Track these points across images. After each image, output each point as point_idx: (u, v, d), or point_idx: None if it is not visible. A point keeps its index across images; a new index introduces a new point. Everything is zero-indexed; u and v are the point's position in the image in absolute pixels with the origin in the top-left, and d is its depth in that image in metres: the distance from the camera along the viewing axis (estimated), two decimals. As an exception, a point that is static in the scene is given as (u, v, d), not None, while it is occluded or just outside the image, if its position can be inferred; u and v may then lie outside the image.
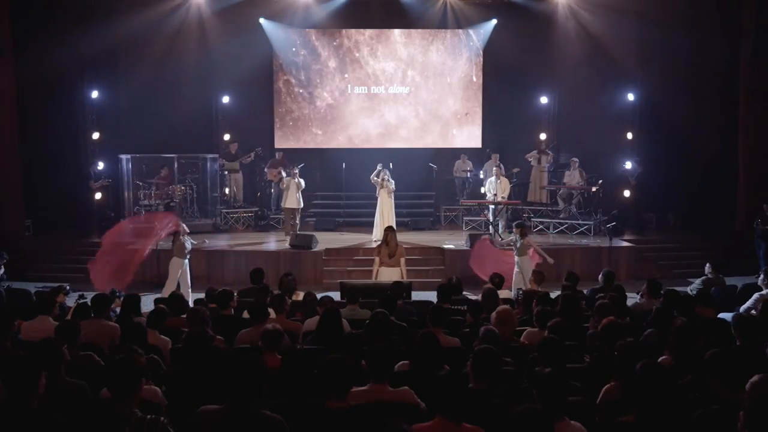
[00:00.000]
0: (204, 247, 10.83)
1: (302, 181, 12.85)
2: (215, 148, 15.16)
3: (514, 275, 9.38)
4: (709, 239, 13.11)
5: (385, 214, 12.17)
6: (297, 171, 12.91)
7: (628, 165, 14.30)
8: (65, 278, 10.48)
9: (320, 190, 15.59)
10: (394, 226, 10.48)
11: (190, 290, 9.24)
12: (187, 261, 9.43)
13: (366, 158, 14.46)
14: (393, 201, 12.36)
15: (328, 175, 15.53)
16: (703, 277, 8.14)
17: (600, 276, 7.47)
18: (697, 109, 13.47)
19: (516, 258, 9.46)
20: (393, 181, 12.37)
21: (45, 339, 4.00)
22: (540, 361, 4.07)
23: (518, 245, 9.42)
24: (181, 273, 9.31)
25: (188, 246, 9.40)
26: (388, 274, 8.97)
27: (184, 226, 9.60)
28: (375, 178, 12.38)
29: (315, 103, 15.92)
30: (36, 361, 3.29)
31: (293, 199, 12.72)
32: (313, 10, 15.14)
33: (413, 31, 15.79)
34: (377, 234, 11.99)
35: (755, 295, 6.62)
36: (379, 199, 12.32)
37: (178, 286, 9.06)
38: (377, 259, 9.24)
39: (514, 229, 9.69)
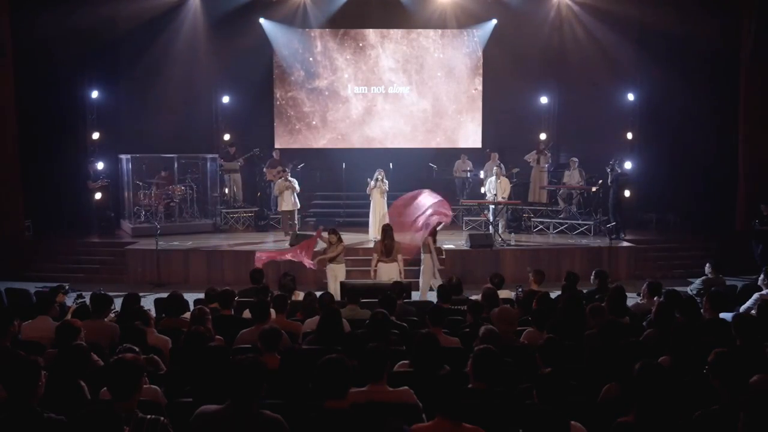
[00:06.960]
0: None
1: (294, 182, 12.80)
2: (215, 148, 15.17)
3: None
4: (709, 239, 13.11)
5: (377, 213, 12.19)
6: (289, 172, 12.92)
7: (628, 165, 14.28)
8: (65, 278, 10.51)
9: (320, 190, 15.57)
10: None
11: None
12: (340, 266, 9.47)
13: (366, 158, 14.45)
14: (386, 201, 12.34)
15: (328, 175, 15.51)
16: (703, 277, 8.15)
17: (592, 277, 7.37)
18: (696, 109, 13.46)
19: (422, 255, 9.60)
20: (387, 182, 12.37)
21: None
22: (540, 361, 4.07)
23: (421, 243, 9.49)
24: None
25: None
26: (385, 270, 9.06)
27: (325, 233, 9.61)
28: (372, 186, 12.32)
29: (315, 103, 15.92)
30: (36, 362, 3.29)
31: (289, 202, 12.74)
32: (313, 10, 15.18)
33: (413, 31, 15.79)
34: (372, 233, 12.02)
35: (755, 295, 6.61)
36: (372, 200, 12.35)
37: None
38: (375, 255, 9.32)
39: None
